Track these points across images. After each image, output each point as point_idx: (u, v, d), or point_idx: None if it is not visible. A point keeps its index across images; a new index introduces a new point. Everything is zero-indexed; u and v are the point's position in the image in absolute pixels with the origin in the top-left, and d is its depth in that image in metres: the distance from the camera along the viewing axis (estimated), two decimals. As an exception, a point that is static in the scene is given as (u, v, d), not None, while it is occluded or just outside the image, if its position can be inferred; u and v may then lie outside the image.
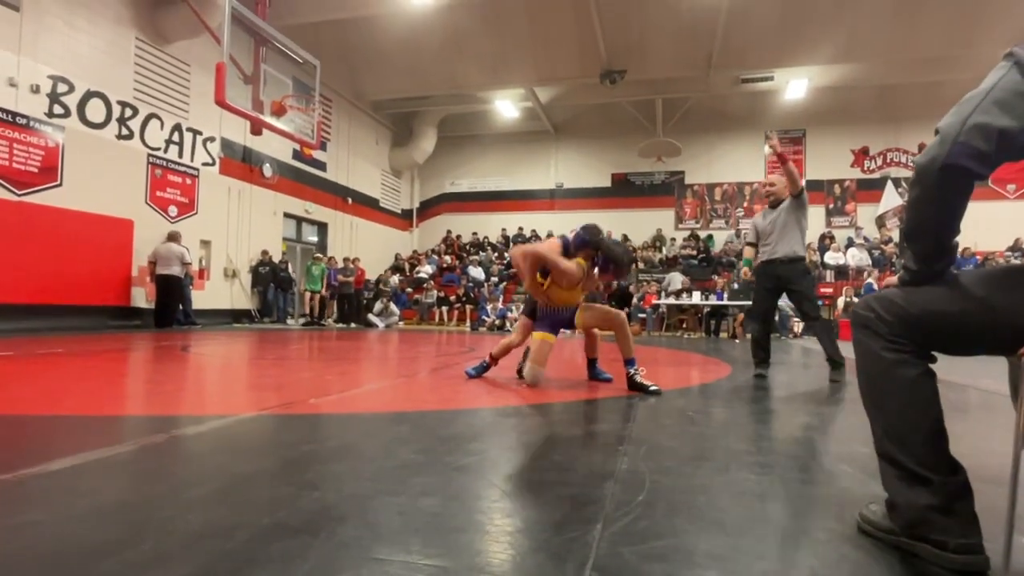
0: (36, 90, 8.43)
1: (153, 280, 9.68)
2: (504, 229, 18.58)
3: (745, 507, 1.49)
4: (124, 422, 2.51)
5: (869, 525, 1.29)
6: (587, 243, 3.65)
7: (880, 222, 15.58)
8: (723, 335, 12.09)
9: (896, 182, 15.67)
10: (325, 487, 1.55)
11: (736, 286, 12.89)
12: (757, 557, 1.18)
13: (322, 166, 15.05)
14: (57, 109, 8.73)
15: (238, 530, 1.24)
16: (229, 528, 1.25)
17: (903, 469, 1.19)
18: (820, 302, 4.56)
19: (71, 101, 8.93)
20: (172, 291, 9.69)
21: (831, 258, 14.60)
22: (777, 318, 11.54)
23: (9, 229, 7.98)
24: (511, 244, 18.20)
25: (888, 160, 16.33)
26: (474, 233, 18.69)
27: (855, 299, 12.24)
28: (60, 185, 8.77)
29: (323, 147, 14.57)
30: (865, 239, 15.18)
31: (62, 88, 8.79)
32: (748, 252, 4.78)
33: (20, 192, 8.26)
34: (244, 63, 8.38)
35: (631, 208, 18.00)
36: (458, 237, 18.57)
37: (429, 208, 19.93)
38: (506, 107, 16.60)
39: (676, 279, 13.04)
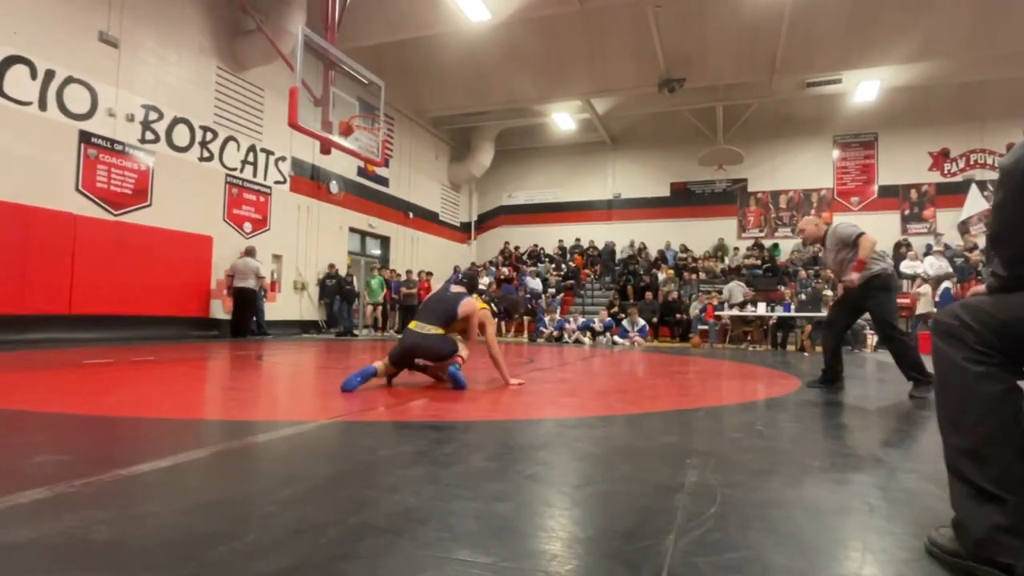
0: (131, 119, 9.18)
1: (230, 293, 10.29)
2: (561, 240, 18.62)
3: (821, 523, 1.46)
4: (213, 426, 2.70)
5: (936, 548, 1.24)
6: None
7: (963, 228, 14.62)
8: (790, 348, 11.63)
9: (981, 185, 14.67)
10: (404, 490, 1.63)
11: (803, 297, 12.40)
12: (843, 575, 1.17)
13: (385, 182, 15.58)
14: (148, 135, 9.47)
15: (329, 527, 1.33)
16: (321, 525, 1.35)
17: (976, 487, 1.14)
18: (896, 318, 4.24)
19: (160, 128, 9.66)
20: (247, 303, 10.27)
21: (907, 267, 13.80)
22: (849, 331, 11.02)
23: (107, 246, 8.69)
24: (568, 255, 18.22)
25: (971, 162, 15.34)
26: (534, 245, 18.81)
27: (934, 309, 11.52)
28: (150, 205, 9.48)
29: (386, 164, 15.09)
30: (946, 246, 14.28)
31: (153, 116, 9.53)
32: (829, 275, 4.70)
33: (116, 212, 8.99)
34: (314, 86, 8.83)
35: (691, 217, 17.67)
36: (516, 248, 18.74)
37: (487, 221, 20.23)
38: (563, 119, 16.70)
39: (736, 291, 12.66)
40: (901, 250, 14.53)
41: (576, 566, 1.17)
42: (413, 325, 3.97)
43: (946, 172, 15.56)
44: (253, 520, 1.38)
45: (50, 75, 8.12)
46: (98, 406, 3.01)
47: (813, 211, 16.62)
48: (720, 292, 13.31)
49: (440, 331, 3.92)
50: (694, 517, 1.46)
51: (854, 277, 4.04)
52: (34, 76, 7.94)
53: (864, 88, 14.05)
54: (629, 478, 1.86)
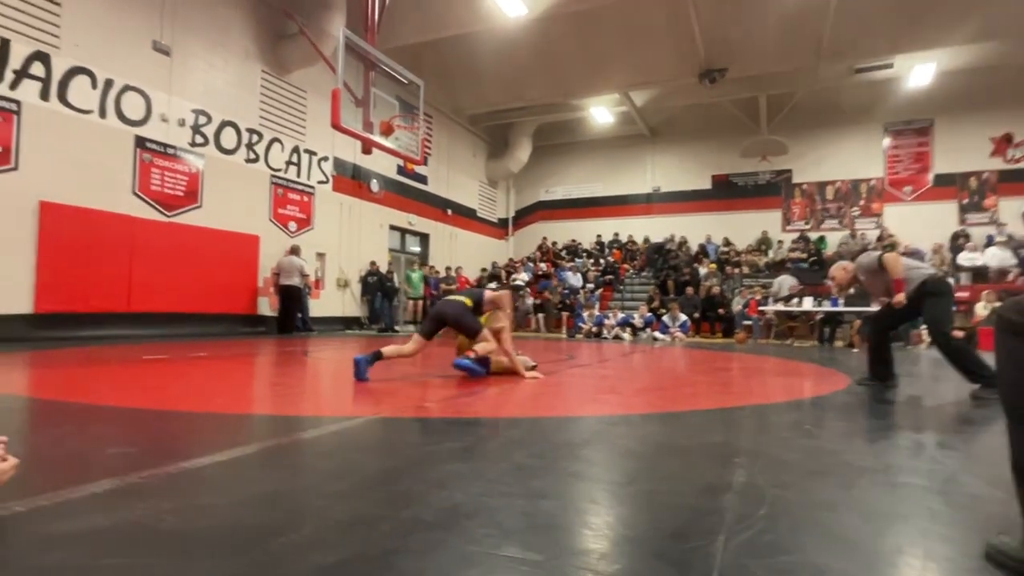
0: (182, 123, 9.54)
1: (276, 290, 10.62)
2: (599, 235, 18.47)
3: (877, 528, 1.42)
4: (265, 421, 2.80)
5: (1002, 555, 1.19)
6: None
7: (1028, 217, 13.83)
8: (838, 343, 11.25)
9: (1048, 172, 13.85)
10: (452, 486, 1.66)
11: (853, 291, 11.95)
12: (895, 579, 1.13)
13: (424, 180, 15.76)
14: (198, 139, 9.83)
15: (380, 522, 1.37)
16: (372, 519, 1.39)
17: None
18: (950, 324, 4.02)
19: (209, 131, 10.02)
20: (293, 300, 10.58)
21: (966, 259, 13.17)
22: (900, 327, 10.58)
23: (161, 247, 9.08)
24: (606, 250, 18.06)
25: (1037, 147, 14.48)
26: (572, 240, 18.72)
27: (998, 304, 10.96)
28: (200, 206, 9.84)
29: (425, 162, 15.26)
30: (1009, 236, 13.52)
31: (202, 120, 9.88)
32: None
33: (169, 214, 9.37)
34: (355, 87, 9.00)
35: (733, 210, 17.25)
36: (554, 244, 18.68)
37: (524, 216, 20.23)
38: (600, 113, 16.54)
39: (785, 283, 12.30)
40: (959, 241, 13.85)
41: (625, 566, 1.17)
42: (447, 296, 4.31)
43: (1009, 158, 14.72)
44: (308, 513, 1.43)
45: (109, 84, 8.51)
46: (158, 401, 3.16)
47: (862, 201, 16.01)
48: (764, 287, 12.98)
49: (469, 303, 4.24)
50: (744, 518, 1.44)
51: (900, 298, 3.96)
52: (94, 85, 8.33)
53: (918, 72, 13.42)
54: (675, 477, 1.84)
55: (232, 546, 1.22)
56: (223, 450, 2.02)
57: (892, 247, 4.04)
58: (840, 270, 4.43)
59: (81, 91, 8.18)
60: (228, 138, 10.35)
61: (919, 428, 2.83)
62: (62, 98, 7.96)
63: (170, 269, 9.17)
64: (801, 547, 1.27)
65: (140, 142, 8.95)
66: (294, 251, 10.73)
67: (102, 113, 8.44)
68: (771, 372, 5.68)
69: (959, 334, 11.71)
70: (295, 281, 10.48)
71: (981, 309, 11.13)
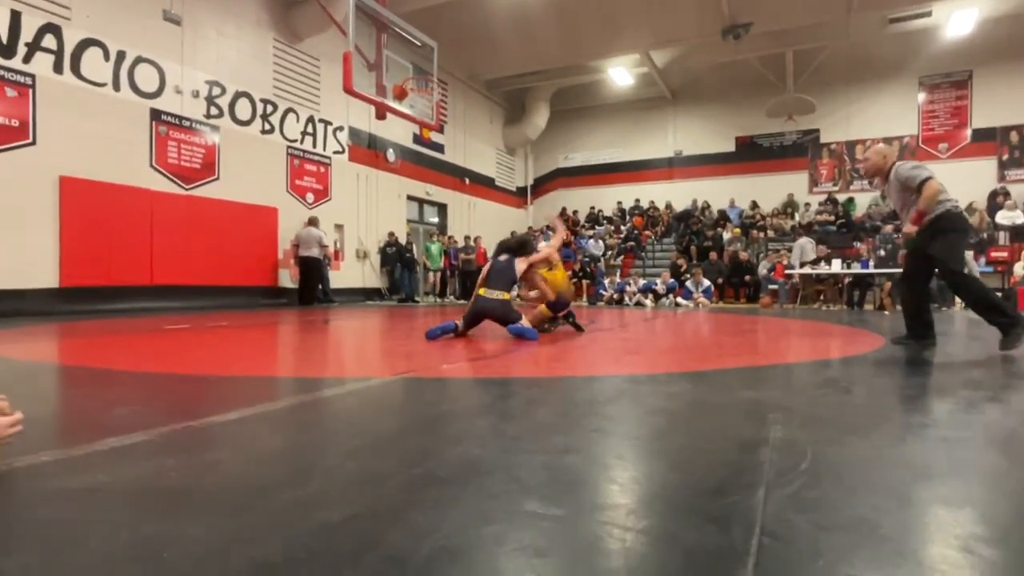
0: (196, 95, 9.46)
1: (296, 262, 10.63)
2: (620, 202, 18.13)
3: (931, 482, 1.30)
4: (282, 382, 2.75)
5: None
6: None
7: (1072, 172, 13.15)
8: (868, 307, 10.94)
9: (1095, 123, 13.11)
10: (469, 442, 1.57)
11: (883, 252, 11.57)
12: (968, 536, 1.01)
13: (440, 148, 15.55)
14: (213, 111, 9.75)
15: (392, 478, 1.29)
16: (385, 475, 1.30)
17: None
18: (958, 262, 3.72)
19: (223, 103, 9.93)
20: (312, 271, 10.59)
21: (1004, 217, 12.62)
22: (935, 285, 10.20)
23: (181, 220, 9.11)
24: (626, 216, 17.74)
25: (1085, 97, 13.68)
26: (592, 207, 18.41)
27: (1038, 264, 10.51)
28: (218, 179, 9.82)
29: (441, 129, 15.03)
30: (1051, 193, 12.91)
31: (216, 91, 9.79)
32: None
33: (188, 187, 9.37)
34: (367, 52, 8.79)
35: (758, 173, 16.74)
36: (574, 213, 18.40)
37: (543, 184, 19.93)
38: (620, 75, 16.05)
39: (808, 248, 11.90)
40: (997, 199, 13.27)
41: (655, 521, 1.07)
42: (482, 292, 4.40)
43: (1053, 109, 13.96)
44: (317, 470, 1.35)
45: (121, 56, 8.43)
46: (175, 365, 3.13)
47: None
48: (790, 251, 12.63)
49: (506, 296, 4.41)
50: (784, 473, 1.32)
51: (911, 229, 3.69)
52: (107, 58, 8.27)
53: (958, 19, 12.70)
54: (706, 433, 1.73)
55: (235, 502, 1.15)
56: (235, 409, 1.96)
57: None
58: (879, 156, 3.97)
59: (94, 64, 8.12)
60: (243, 109, 10.26)
61: (964, 385, 2.66)
62: (75, 71, 7.91)
63: (190, 242, 9.21)
64: (849, 502, 1.15)
65: (155, 115, 8.90)
66: (312, 222, 10.70)
67: (116, 86, 8.39)
68: (800, 333, 5.50)
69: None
70: (314, 252, 10.47)
71: (1020, 269, 10.69)
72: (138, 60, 8.65)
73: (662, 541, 0.99)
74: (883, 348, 4.00)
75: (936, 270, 3.78)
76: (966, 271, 3.90)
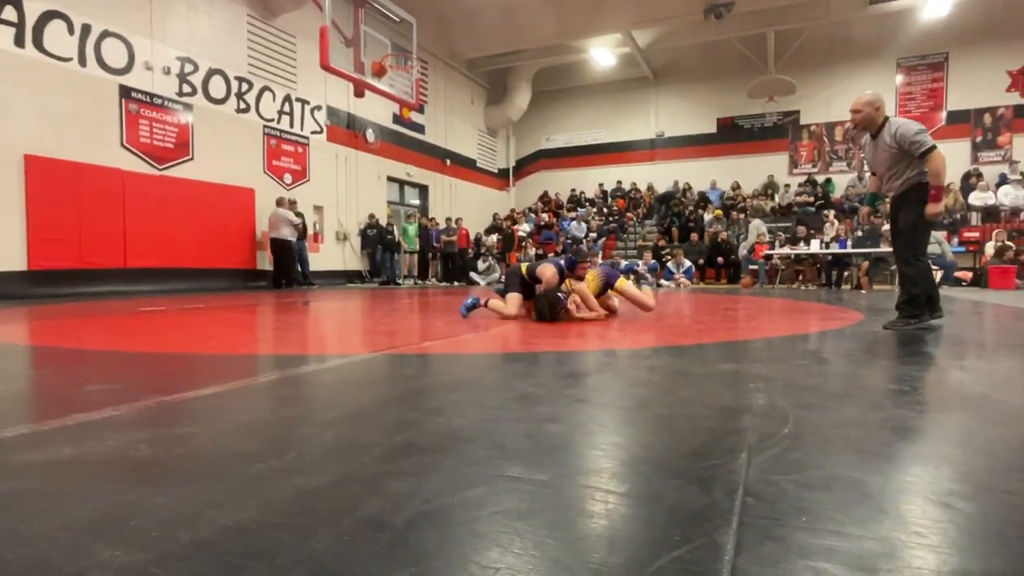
0: (167, 71, 9.17)
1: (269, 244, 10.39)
2: (601, 184, 18.09)
3: (911, 443, 1.31)
4: (261, 360, 2.70)
5: None
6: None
7: (1045, 153, 13.39)
8: (846, 286, 11.11)
9: (1067, 105, 13.34)
10: (450, 413, 1.55)
11: (860, 233, 11.73)
12: (945, 492, 1.02)
13: (421, 129, 15.34)
14: (185, 88, 9.47)
15: (372, 447, 1.26)
16: (363, 445, 1.28)
17: None
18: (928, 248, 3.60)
19: (196, 80, 9.64)
20: (283, 253, 10.32)
21: (977, 198, 12.84)
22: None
23: (155, 201, 8.88)
24: (608, 198, 17.73)
25: (1056, 80, 13.91)
26: (573, 189, 18.35)
27: (1009, 243, 10.74)
28: (192, 159, 9.58)
29: (421, 110, 14.80)
30: (1022, 175, 13.16)
31: (188, 68, 9.50)
32: (872, 184, 3.84)
33: (161, 167, 9.12)
34: (344, 27, 8.59)
35: (739, 154, 16.80)
36: (556, 195, 18.32)
37: (525, 166, 19.79)
38: (602, 55, 15.91)
39: (762, 228, 12.24)
40: (971, 180, 13.49)
41: (639, 483, 1.06)
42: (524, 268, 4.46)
43: (1026, 92, 14.18)
44: (294, 440, 1.32)
45: (87, 29, 8.12)
46: (150, 344, 3.06)
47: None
48: (772, 232, 12.74)
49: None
50: (767, 437, 1.32)
51: (938, 209, 3.31)
52: (71, 31, 7.96)
53: (935, 2, 12.78)
54: (690, 401, 1.73)
55: (208, 471, 1.11)
56: (211, 385, 1.91)
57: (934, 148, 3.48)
58: (870, 107, 3.47)
59: (58, 37, 7.81)
60: (217, 87, 9.98)
61: (940, 354, 2.71)
62: (38, 44, 7.61)
63: (165, 223, 9.00)
64: (831, 463, 1.15)
65: (125, 92, 8.62)
66: (280, 203, 10.38)
67: (82, 60, 8.09)
68: (780, 310, 5.56)
69: (967, 275, 11.37)
70: (283, 233, 10.20)
71: (990, 248, 10.92)
72: (105, 34, 8.34)
73: (645, 502, 0.98)
74: (862, 323, 4.05)
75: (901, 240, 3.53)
76: (936, 248, 3.80)
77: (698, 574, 0.74)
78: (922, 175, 3.37)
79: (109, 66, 8.41)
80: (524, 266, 4.50)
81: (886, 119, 3.48)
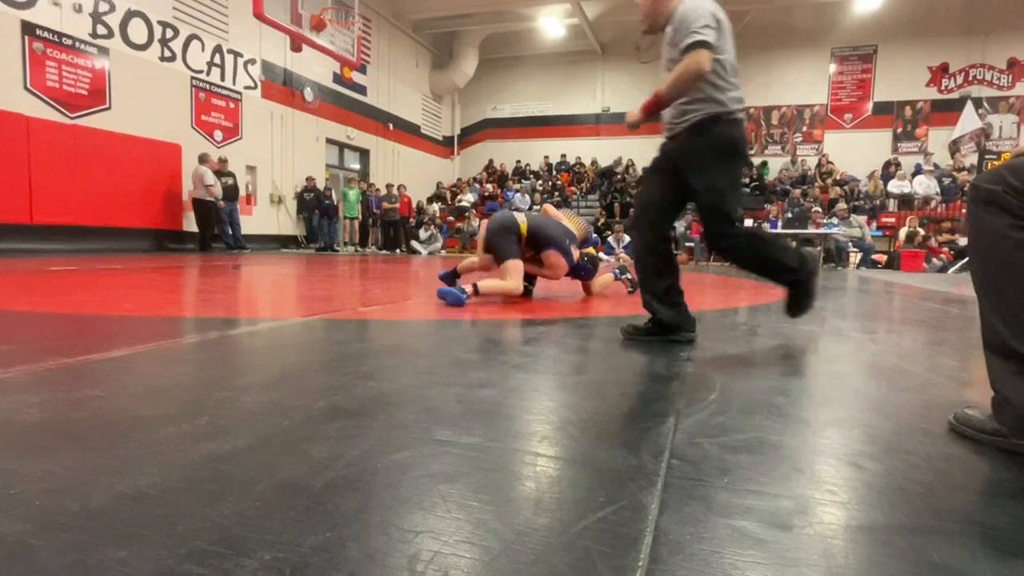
0: (79, 9, 8.35)
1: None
2: (547, 156, 18.07)
3: (832, 408, 1.37)
4: (179, 322, 2.54)
5: (969, 428, 1.15)
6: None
7: (954, 147, 14.34)
8: (774, 266, 11.63)
9: (977, 103, 14.31)
10: (380, 377, 1.50)
11: (790, 214, 12.29)
12: (856, 453, 1.07)
13: (362, 90, 14.75)
14: (100, 29, 8.67)
15: (294, 411, 1.20)
16: (285, 409, 1.21)
17: (1021, 363, 1.05)
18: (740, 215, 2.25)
19: (113, 21, 8.84)
20: (204, 213, 9.75)
21: (895, 186, 13.67)
22: (834, 246, 10.99)
23: (65, 152, 8.15)
24: (553, 172, 17.75)
25: (969, 78, 14.86)
26: (518, 161, 18.23)
27: (919, 229, 11.53)
28: (109, 108, 8.84)
29: (363, 70, 14.22)
30: (935, 166, 14.10)
31: (103, 7, 8.68)
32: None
33: (72, 115, 8.37)
34: (281, -24, 8.08)
35: (681, 134, 17.11)
36: (501, 166, 18.16)
37: (471, 135, 19.47)
38: (551, 24, 15.73)
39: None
40: (890, 169, 14.34)
41: (568, 446, 1.06)
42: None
43: (943, 88, 15.11)
44: (209, 404, 1.24)
45: (-18, -45, 7.27)
46: (54, 305, 2.82)
47: (805, 128, 16.22)
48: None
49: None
50: (694, 403, 1.35)
51: (634, 117, 2.34)
52: (-37, -45, 7.10)
53: (869, -6, 13.31)
54: (621, 368, 1.75)
55: (107, 438, 1.02)
56: (118, 348, 1.77)
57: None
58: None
59: (-53, -39, 6.95)
60: (137, 31, 9.20)
61: (855, 329, 2.87)
62: (-77, -32, 6.75)
63: (78, 177, 8.31)
64: (755, 426, 1.19)
65: (28, 29, 7.81)
66: (202, 159, 9.72)
67: (-23, -10, 7.25)
68: (713, 285, 5.76)
69: (882, 258, 11.90)
70: (200, 194, 9.61)
71: (903, 234, 11.69)
72: (4, -38, 7.49)
73: (573, 465, 0.97)
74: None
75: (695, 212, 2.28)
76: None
77: (622, 534, 0.73)
78: (707, 104, 2.17)
79: (10, -2, 7.57)
80: (524, 224, 3.50)
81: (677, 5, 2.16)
